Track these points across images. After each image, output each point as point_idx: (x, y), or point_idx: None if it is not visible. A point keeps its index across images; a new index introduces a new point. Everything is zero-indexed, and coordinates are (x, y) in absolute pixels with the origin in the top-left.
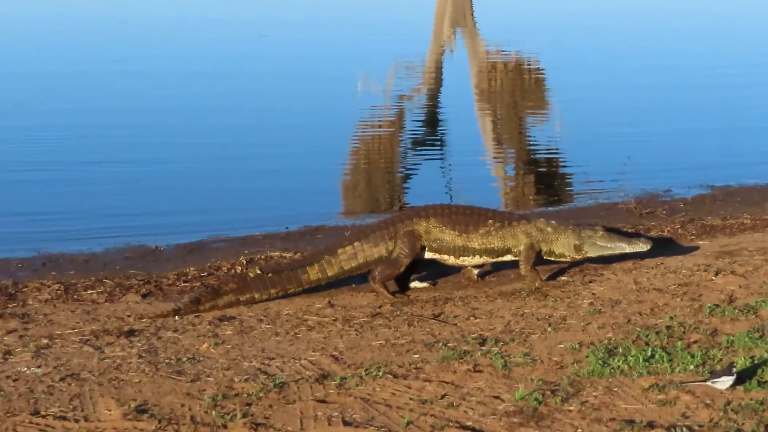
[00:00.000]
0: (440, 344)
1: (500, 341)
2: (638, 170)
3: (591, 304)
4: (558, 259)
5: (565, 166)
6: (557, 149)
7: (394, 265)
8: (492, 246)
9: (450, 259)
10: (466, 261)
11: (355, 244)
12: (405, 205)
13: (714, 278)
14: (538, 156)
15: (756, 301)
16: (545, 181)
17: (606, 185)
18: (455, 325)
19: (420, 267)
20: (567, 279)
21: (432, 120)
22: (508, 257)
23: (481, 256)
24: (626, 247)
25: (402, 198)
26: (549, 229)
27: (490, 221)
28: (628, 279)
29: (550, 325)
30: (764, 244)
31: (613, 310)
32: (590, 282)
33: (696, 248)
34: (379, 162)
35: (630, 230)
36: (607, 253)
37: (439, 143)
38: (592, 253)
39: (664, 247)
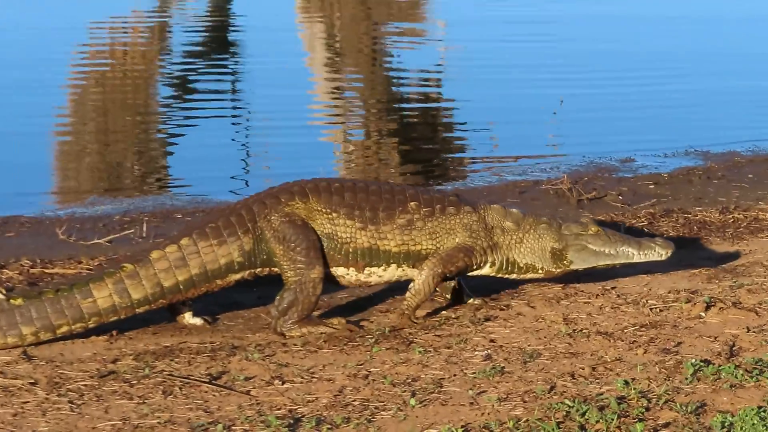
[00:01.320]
0: (219, 428)
1: (325, 423)
2: (579, 129)
3: (488, 357)
4: (522, 276)
5: (455, 122)
6: (441, 93)
7: (302, 291)
8: (417, 248)
9: (348, 274)
10: (375, 275)
11: (182, 242)
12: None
13: (703, 314)
14: (409, 104)
15: None
16: (420, 145)
17: (523, 151)
18: (248, 393)
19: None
20: (448, 314)
21: (219, 42)
22: None
23: (399, 266)
24: (634, 254)
25: (163, 173)
26: (508, 222)
27: (414, 204)
28: (553, 314)
29: (414, 394)
30: None
31: (525, 368)
32: (487, 319)
33: (674, 261)
34: (119, 116)
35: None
36: (603, 263)
37: (231, 83)
38: (580, 264)
39: None
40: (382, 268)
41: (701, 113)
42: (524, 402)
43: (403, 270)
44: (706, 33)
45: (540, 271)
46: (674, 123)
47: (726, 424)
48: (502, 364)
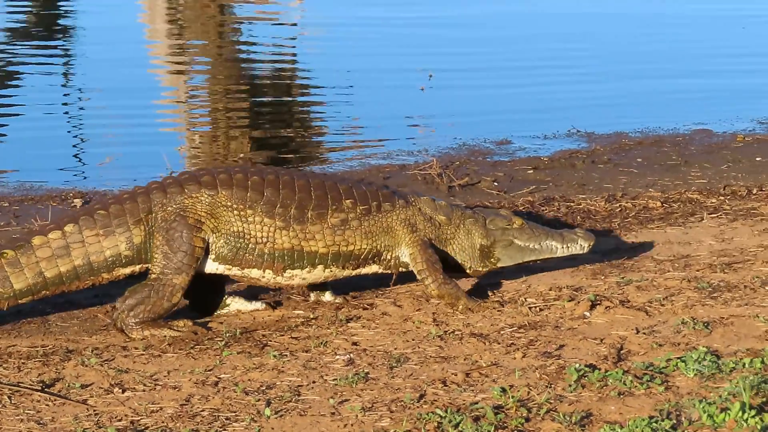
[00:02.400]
0: None
1: None
2: (449, 108)
3: (350, 362)
4: (450, 274)
5: (310, 96)
6: (295, 62)
7: (157, 293)
8: (351, 248)
9: (265, 276)
10: (297, 278)
11: (67, 228)
12: None
13: (588, 314)
14: (262, 82)
15: (667, 359)
16: (274, 127)
17: (388, 132)
18: (84, 403)
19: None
20: (305, 314)
21: (48, 21)
22: (373, 268)
23: (327, 268)
24: (558, 248)
25: None
26: (440, 216)
27: (349, 202)
28: (421, 314)
29: (269, 403)
30: (686, 248)
31: (392, 374)
32: (349, 320)
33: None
34: None
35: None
36: (528, 259)
37: (63, 65)
38: (506, 261)
39: None
40: (305, 271)
41: (586, 92)
42: (391, 412)
43: (331, 271)
44: (608, 19)
45: (468, 270)
46: (555, 101)
47: None
48: (366, 370)
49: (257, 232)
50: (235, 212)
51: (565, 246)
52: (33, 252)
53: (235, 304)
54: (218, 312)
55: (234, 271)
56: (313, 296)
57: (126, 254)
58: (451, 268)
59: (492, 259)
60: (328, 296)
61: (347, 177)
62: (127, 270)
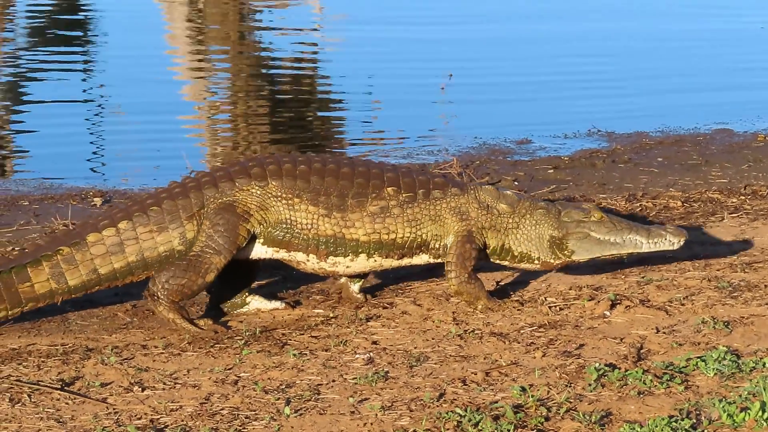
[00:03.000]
0: None
1: None
2: (470, 107)
3: (370, 361)
4: (516, 264)
5: (331, 95)
6: (317, 70)
7: (194, 268)
8: (393, 237)
9: (309, 261)
10: (341, 265)
11: (121, 225)
12: None
13: (608, 313)
14: (275, 75)
15: (687, 358)
16: (295, 126)
17: (408, 131)
18: (104, 401)
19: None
20: (325, 312)
21: (69, 21)
22: (423, 258)
23: (370, 257)
24: (643, 243)
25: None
26: (502, 205)
27: (392, 189)
28: (441, 313)
29: (288, 402)
30: (709, 248)
31: (411, 373)
32: (369, 319)
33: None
34: None
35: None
36: (608, 253)
37: (83, 62)
38: (582, 254)
39: None
40: (348, 259)
41: (606, 91)
42: (411, 411)
43: (375, 261)
44: (615, 15)
45: (536, 262)
46: (576, 101)
47: None
48: (385, 369)
49: (303, 219)
50: (284, 201)
51: (651, 241)
52: (88, 249)
53: (255, 303)
54: (238, 311)
55: (282, 255)
56: (343, 280)
57: (179, 249)
58: (515, 257)
59: (565, 252)
60: (355, 288)
61: (400, 166)
62: (154, 262)
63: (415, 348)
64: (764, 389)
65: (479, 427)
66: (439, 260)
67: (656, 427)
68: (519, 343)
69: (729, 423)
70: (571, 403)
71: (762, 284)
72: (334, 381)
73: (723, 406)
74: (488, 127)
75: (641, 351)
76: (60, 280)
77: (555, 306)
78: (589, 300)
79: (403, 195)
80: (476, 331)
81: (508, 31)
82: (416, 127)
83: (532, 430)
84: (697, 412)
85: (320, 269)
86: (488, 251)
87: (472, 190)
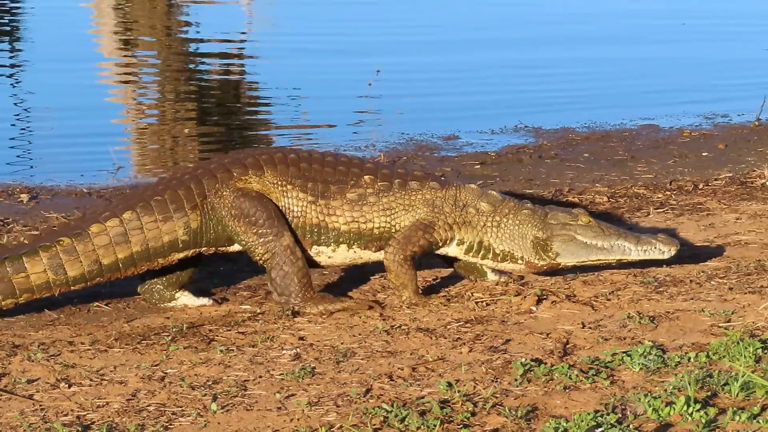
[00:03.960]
0: None
1: (117, 431)
2: (397, 103)
3: (297, 357)
4: (500, 264)
5: (258, 91)
6: (244, 65)
7: (281, 261)
8: (369, 226)
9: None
10: (324, 255)
11: (125, 215)
12: None
13: (535, 309)
14: (203, 70)
15: (613, 353)
16: (221, 120)
17: (335, 127)
18: (30, 398)
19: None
20: (252, 308)
21: None
22: None
23: (349, 247)
24: (631, 250)
25: None
26: (483, 204)
27: (368, 177)
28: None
29: (215, 398)
30: None
31: (338, 369)
32: (296, 315)
33: None
34: None
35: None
36: (594, 258)
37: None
38: (567, 257)
39: None
40: (330, 248)
41: (533, 87)
42: (337, 406)
43: (354, 253)
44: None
45: (520, 262)
46: (502, 97)
47: (559, 430)
48: (312, 365)
49: (294, 206)
50: (280, 189)
51: (640, 249)
52: (90, 240)
53: (183, 299)
54: (165, 305)
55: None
56: (472, 277)
57: (183, 239)
58: (497, 256)
59: (550, 253)
60: (491, 276)
61: (377, 160)
62: (181, 255)
63: (341, 344)
64: (689, 384)
65: (405, 423)
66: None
67: (582, 421)
68: (446, 338)
69: (654, 417)
70: (497, 398)
71: (687, 279)
72: (260, 377)
73: (648, 401)
74: (415, 123)
75: (567, 346)
76: (58, 272)
77: (482, 301)
78: (516, 295)
79: (379, 184)
80: (403, 327)
81: (435, 28)
82: (344, 123)
83: (459, 425)
84: (623, 407)
85: (306, 258)
86: (464, 247)
87: (453, 187)
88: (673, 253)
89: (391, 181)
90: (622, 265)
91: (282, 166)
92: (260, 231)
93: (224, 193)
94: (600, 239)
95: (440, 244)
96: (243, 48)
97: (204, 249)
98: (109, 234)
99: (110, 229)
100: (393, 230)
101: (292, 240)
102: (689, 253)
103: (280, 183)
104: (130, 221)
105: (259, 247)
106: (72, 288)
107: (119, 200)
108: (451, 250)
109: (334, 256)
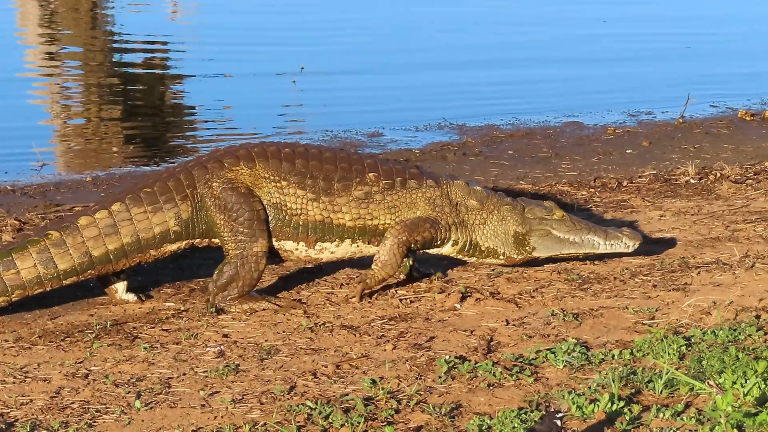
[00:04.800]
0: None
1: (41, 428)
2: (321, 99)
3: (221, 354)
4: (483, 260)
5: (182, 85)
6: (169, 63)
7: (244, 262)
8: (375, 222)
9: (298, 249)
10: (327, 251)
11: (114, 207)
12: None
13: (459, 306)
14: (127, 65)
15: (537, 350)
16: (146, 121)
17: (260, 124)
18: None
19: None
20: (176, 306)
21: None
22: None
23: (354, 242)
24: (600, 243)
25: None
26: (472, 201)
27: (373, 175)
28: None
29: (139, 396)
30: None
31: (262, 366)
32: (220, 312)
33: None
34: None
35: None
36: (567, 251)
37: None
38: (542, 251)
39: None
40: (335, 244)
41: (458, 83)
42: (261, 404)
43: (358, 246)
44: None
45: (501, 257)
46: (427, 93)
47: (483, 428)
48: (236, 362)
49: (292, 203)
50: (273, 183)
51: (608, 243)
52: (79, 232)
53: (121, 293)
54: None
55: (271, 243)
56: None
57: (175, 230)
58: (482, 253)
59: (527, 247)
60: (416, 273)
61: (375, 154)
62: (174, 246)
63: (265, 341)
64: (613, 381)
65: (330, 420)
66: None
67: (506, 419)
68: (370, 335)
69: (578, 415)
70: (421, 395)
71: (611, 276)
72: (184, 374)
73: (572, 398)
74: (339, 120)
75: (491, 343)
76: (48, 266)
77: (406, 299)
78: (440, 292)
79: (384, 182)
80: (327, 324)
81: (358, 21)
82: (268, 120)
83: (383, 422)
84: (547, 404)
85: (306, 257)
86: (457, 247)
87: (445, 184)
88: (637, 246)
89: (394, 180)
90: (550, 260)
91: (275, 161)
92: (238, 229)
93: (213, 184)
94: (573, 234)
95: (438, 242)
96: (167, 48)
97: (197, 241)
98: (98, 226)
99: (99, 220)
100: None
101: (264, 249)
102: None
103: (272, 177)
104: (119, 212)
105: (231, 243)
106: (64, 282)
107: (110, 194)
108: (445, 250)
109: (336, 251)
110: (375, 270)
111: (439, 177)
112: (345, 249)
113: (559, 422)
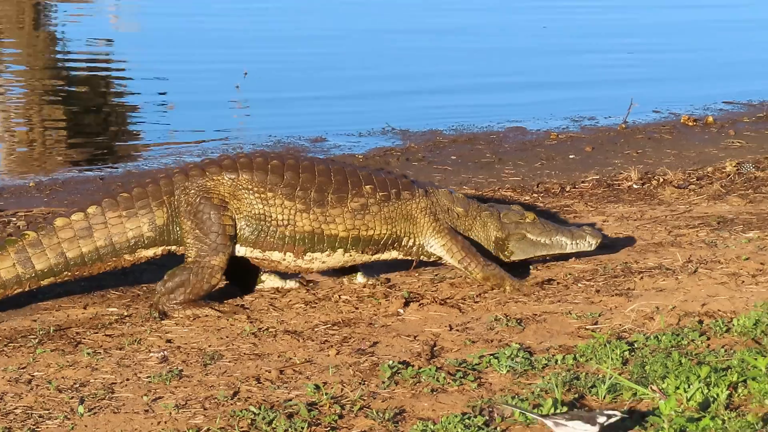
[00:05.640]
0: None
1: None
2: (265, 105)
3: (164, 359)
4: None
5: (126, 89)
6: (111, 67)
7: (198, 271)
8: (370, 232)
9: (285, 259)
10: (317, 261)
11: (89, 210)
12: None
13: (402, 311)
14: (70, 72)
15: (480, 355)
16: (89, 123)
17: (203, 129)
18: None
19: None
20: (120, 311)
21: None
22: (393, 254)
23: (347, 252)
24: (567, 244)
25: None
26: (458, 208)
27: (369, 187)
28: (235, 311)
29: (82, 401)
30: None
31: (206, 371)
32: (164, 317)
33: None
34: None
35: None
36: (539, 253)
37: None
38: (519, 254)
39: None
40: (326, 255)
41: (401, 90)
42: (205, 409)
43: (351, 255)
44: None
45: None
46: (370, 99)
47: None
48: (180, 367)
49: (278, 214)
50: (256, 195)
51: (574, 242)
52: (55, 233)
53: (267, 281)
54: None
55: (256, 254)
56: (345, 280)
57: (148, 235)
58: None
59: (506, 252)
60: (360, 278)
61: (367, 165)
62: (150, 252)
63: (209, 346)
64: (556, 386)
65: (273, 425)
66: (410, 257)
67: (449, 424)
68: (313, 341)
69: (522, 420)
70: (364, 400)
71: (554, 281)
72: (128, 380)
73: (516, 403)
74: (283, 125)
75: (435, 348)
76: (27, 265)
77: (349, 304)
78: (384, 298)
79: (380, 194)
80: (270, 330)
81: (303, 27)
82: (212, 126)
83: (326, 427)
84: (490, 409)
85: (295, 267)
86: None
87: (432, 193)
88: (599, 243)
89: (389, 191)
90: (518, 263)
91: (260, 173)
92: (201, 238)
93: (190, 190)
94: (544, 236)
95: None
96: (109, 51)
97: (174, 248)
98: (73, 228)
99: (74, 222)
100: (392, 236)
101: (222, 265)
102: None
103: (257, 189)
104: (94, 215)
105: (192, 250)
106: (41, 283)
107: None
108: (444, 256)
109: (328, 260)
110: (490, 281)
111: (425, 186)
112: (337, 258)
113: (600, 417)
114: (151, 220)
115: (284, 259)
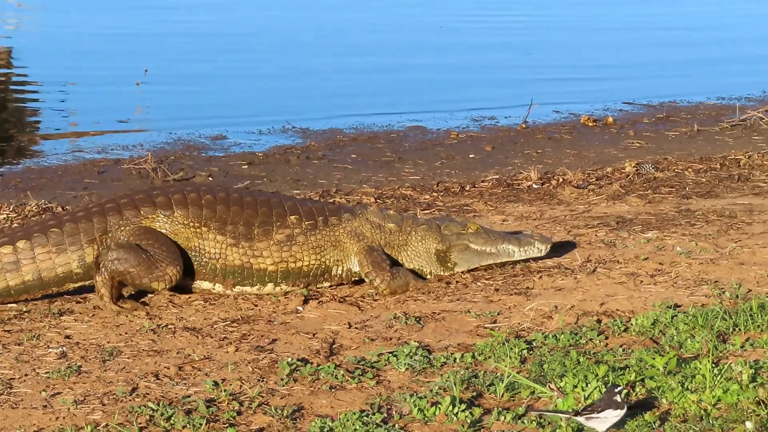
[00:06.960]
0: None
1: None
2: (165, 102)
3: (63, 355)
4: None
5: (26, 86)
6: (11, 52)
7: (146, 269)
8: (299, 264)
9: (215, 289)
10: (249, 292)
11: (18, 244)
12: None
13: (301, 308)
14: None
15: (379, 353)
16: None
17: (103, 127)
18: None
19: None
20: (18, 307)
21: None
22: (324, 285)
23: (276, 284)
24: (515, 251)
25: None
26: (390, 225)
27: (294, 218)
28: (134, 307)
29: None
30: None
31: (104, 367)
32: (62, 313)
33: None
34: None
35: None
36: (486, 262)
37: None
38: (464, 264)
39: None
40: (256, 287)
41: (300, 88)
42: (103, 405)
43: (282, 289)
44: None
45: (429, 276)
46: (269, 97)
47: (325, 429)
48: (78, 363)
49: (211, 248)
50: (192, 229)
51: (522, 249)
52: None
53: None
54: None
55: (186, 281)
56: None
57: (77, 272)
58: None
59: (449, 263)
60: None
61: (292, 196)
62: (77, 285)
63: (108, 342)
64: (455, 384)
65: (171, 422)
66: (342, 284)
67: (348, 421)
68: (212, 337)
69: (420, 417)
70: (263, 397)
71: (453, 280)
72: (26, 375)
73: (414, 401)
74: (183, 122)
75: (334, 346)
76: None
77: (248, 301)
78: (283, 295)
79: (305, 223)
80: (169, 326)
81: (204, 25)
82: (112, 123)
83: (224, 424)
84: (389, 407)
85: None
86: None
87: (360, 212)
88: (549, 249)
89: (316, 219)
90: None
91: (195, 208)
92: (156, 255)
93: (126, 229)
94: (489, 245)
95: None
96: (9, 49)
97: None
98: (1, 260)
99: (3, 255)
100: (321, 266)
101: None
102: None
103: (192, 224)
104: (23, 250)
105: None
106: None
107: (25, 226)
108: None
109: (259, 293)
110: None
111: (351, 209)
112: (268, 292)
113: (618, 397)
114: (81, 257)
115: (214, 289)
